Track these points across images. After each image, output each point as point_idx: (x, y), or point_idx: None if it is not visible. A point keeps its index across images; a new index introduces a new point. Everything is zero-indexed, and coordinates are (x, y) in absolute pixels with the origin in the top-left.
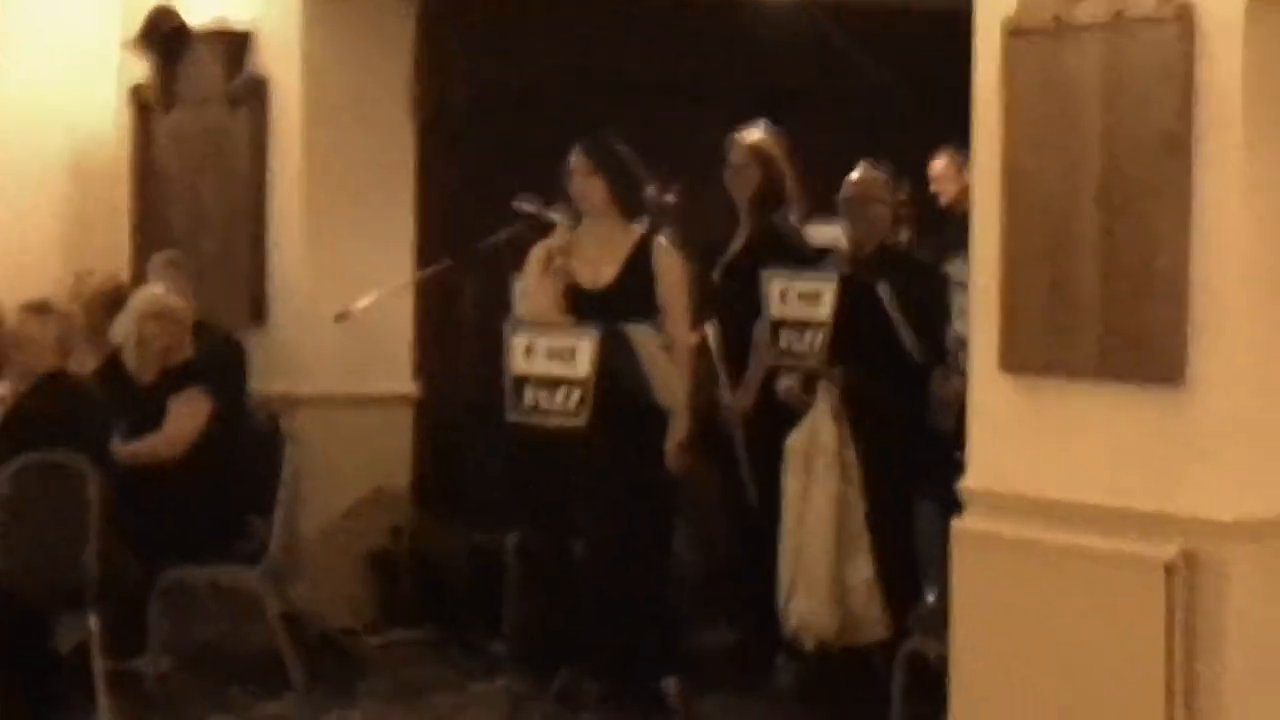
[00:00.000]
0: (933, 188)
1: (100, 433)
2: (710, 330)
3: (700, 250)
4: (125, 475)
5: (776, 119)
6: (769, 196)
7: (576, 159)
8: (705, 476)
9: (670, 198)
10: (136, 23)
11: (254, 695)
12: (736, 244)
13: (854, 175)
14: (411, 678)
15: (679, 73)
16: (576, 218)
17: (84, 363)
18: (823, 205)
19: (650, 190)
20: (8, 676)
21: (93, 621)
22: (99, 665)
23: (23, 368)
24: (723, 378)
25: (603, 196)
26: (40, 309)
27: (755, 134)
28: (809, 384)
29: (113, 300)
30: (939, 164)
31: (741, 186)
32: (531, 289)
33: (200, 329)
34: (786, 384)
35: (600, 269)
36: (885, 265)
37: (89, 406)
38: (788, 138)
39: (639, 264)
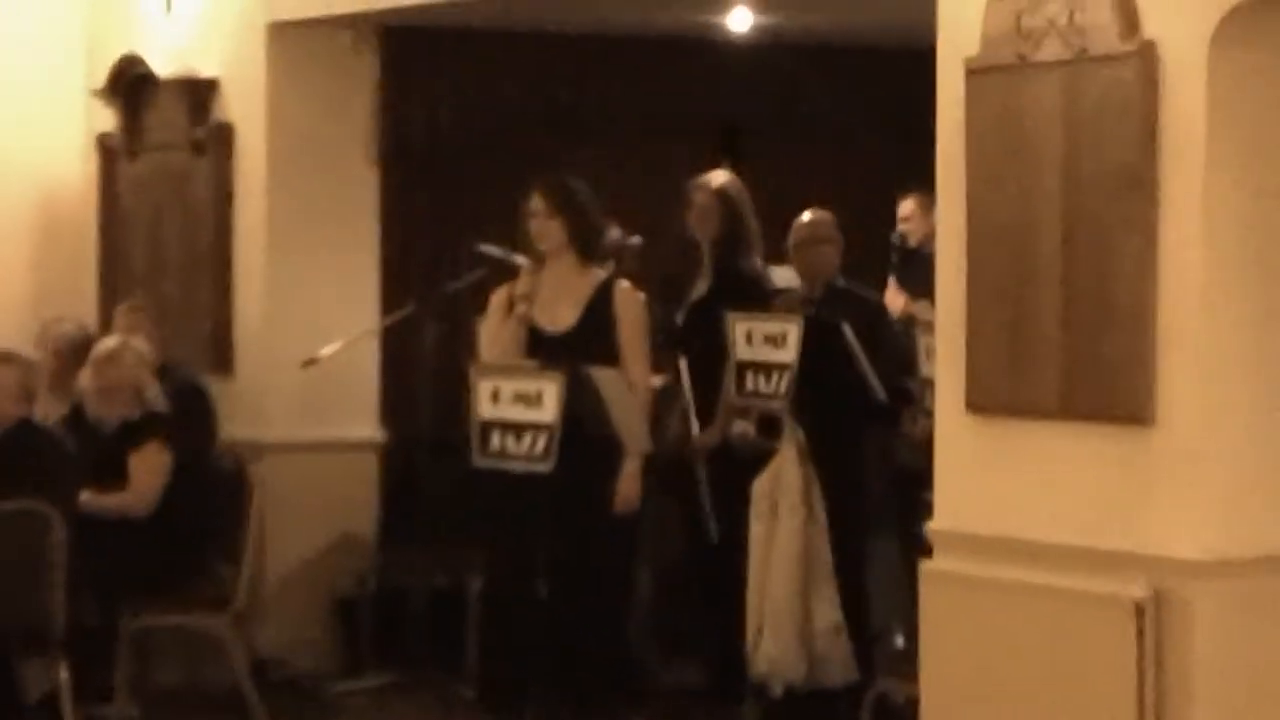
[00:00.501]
0: (901, 228)
1: (66, 481)
2: (682, 366)
3: (662, 291)
4: (90, 521)
5: (739, 156)
6: (733, 239)
7: (536, 201)
8: (669, 517)
9: (634, 240)
10: (101, 71)
11: None
12: (701, 287)
13: (804, 217)
14: None
15: (641, 110)
16: (540, 261)
17: (49, 411)
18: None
19: (613, 233)
20: None
21: (62, 669)
22: (69, 713)
23: None
24: (692, 417)
25: (562, 238)
26: (3, 358)
27: (719, 176)
28: (773, 426)
29: (81, 348)
30: (907, 205)
31: (705, 229)
32: (492, 333)
33: (165, 375)
34: (740, 429)
35: (560, 312)
36: (835, 305)
37: (54, 455)
38: (750, 175)
39: (599, 307)
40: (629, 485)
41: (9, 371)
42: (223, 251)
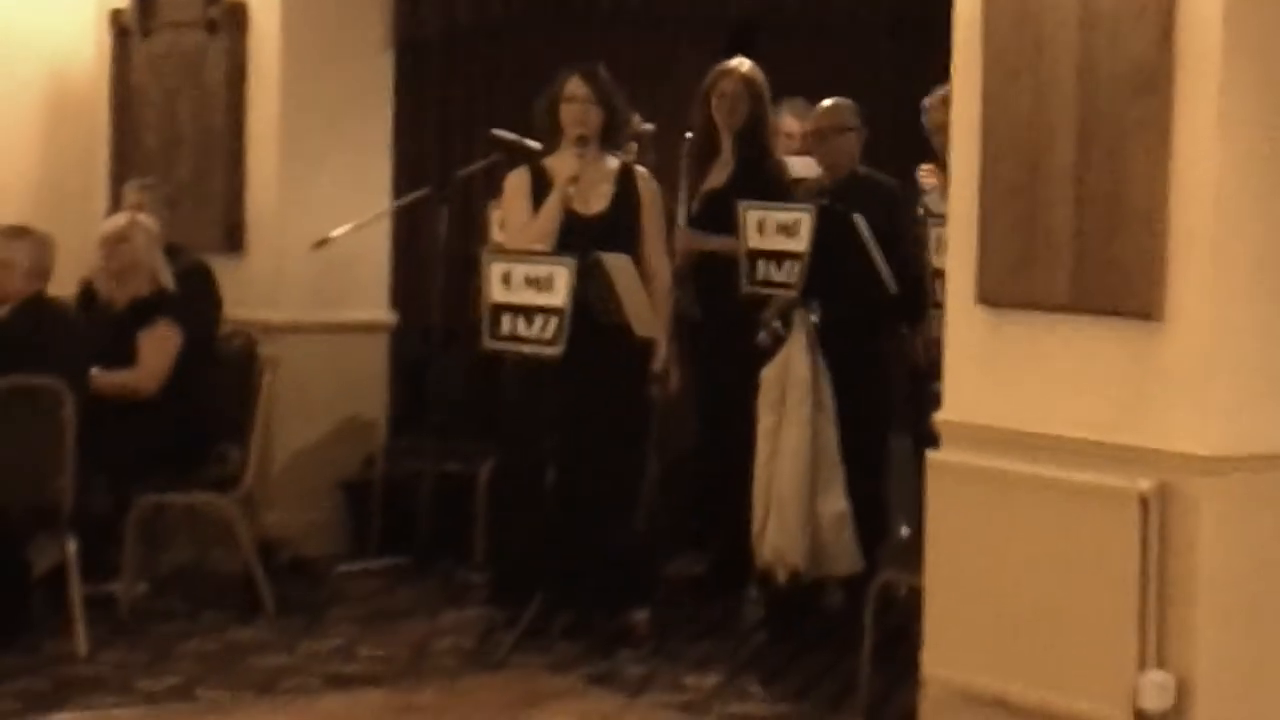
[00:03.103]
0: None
1: (77, 358)
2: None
3: (675, 181)
4: (100, 400)
5: (751, 53)
6: (756, 128)
7: (577, 85)
8: (680, 407)
9: (648, 127)
10: None
11: (226, 621)
12: (719, 176)
13: (823, 104)
14: (382, 606)
15: (654, 5)
16: (551, 147)
17: None
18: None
19: (632, 120)
20: None
21: (70, 545)
22: (76, 588)
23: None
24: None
25: (599, 125)
26: (16, 233)
27: (746, 64)
28: (785, 316)
29: None
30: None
31: (731, 116)
32: (526, 215)
33: (174, 254)
34: (764, 333)
35: (591, 197)
36: (854, 193)
37: (66, 331)
38: (764, 69)
39: (625, 192)
40: (666, 367)
41: (21, 247)
42: (235, 132)
